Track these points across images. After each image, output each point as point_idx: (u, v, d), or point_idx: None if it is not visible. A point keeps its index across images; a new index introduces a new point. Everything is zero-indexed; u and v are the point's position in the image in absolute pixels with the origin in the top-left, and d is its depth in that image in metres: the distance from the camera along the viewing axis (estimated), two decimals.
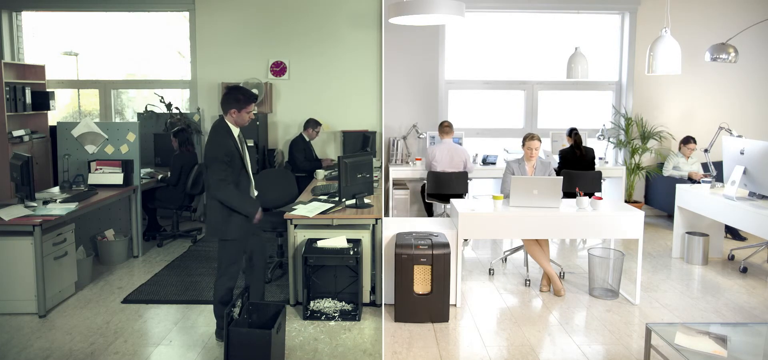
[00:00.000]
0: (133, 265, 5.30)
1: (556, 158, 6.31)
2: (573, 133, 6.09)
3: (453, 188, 6.02)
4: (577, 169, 5.95)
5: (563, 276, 4.98)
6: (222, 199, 3.45)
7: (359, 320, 4.03)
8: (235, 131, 3.54)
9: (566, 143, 6.26)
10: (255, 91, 3.48)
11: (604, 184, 6.34)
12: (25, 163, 4.40)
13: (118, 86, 7.57)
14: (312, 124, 6.71)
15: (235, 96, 3.49)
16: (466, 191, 6.06)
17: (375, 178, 5.23)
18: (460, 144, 6.63)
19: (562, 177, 4.65)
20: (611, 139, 7.22)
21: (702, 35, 7.07)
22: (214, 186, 3.41)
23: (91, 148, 5.42)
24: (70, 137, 5.39)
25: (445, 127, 6.17)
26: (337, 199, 4.66)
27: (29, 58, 7.42)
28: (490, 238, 6.07)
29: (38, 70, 7.00)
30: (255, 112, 3.40)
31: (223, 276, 3.62)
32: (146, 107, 7.03)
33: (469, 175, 6.13)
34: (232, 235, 3.53)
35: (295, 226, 4.25)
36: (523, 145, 4.92)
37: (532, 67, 7.43)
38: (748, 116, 7.35)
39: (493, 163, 6.79)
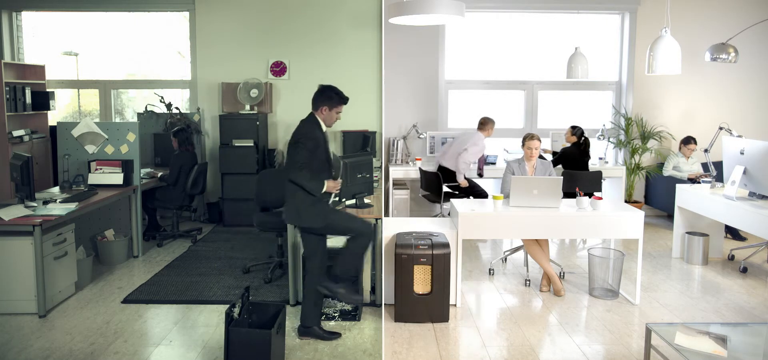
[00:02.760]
0: (133, 265, 5.30)
1: (551, 157, 6.30)
2: (580, 135, 6.05)
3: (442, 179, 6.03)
4: (577, 168, 5.95)
5: (563, 276, 4.98)
6: (298, 180, 3.54)
7: (359, 320, 4.03)
8: (323, 128, 3.66)
9: (566, 142, 6.24)
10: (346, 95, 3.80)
11: (604, 184, 6.34)
12: (25, 163, 4.40)
13: (118, 86, 7.57)
14: None
15: (329, 94, 3.61)
16: (439, 197, 5.99)
17: (375, 178, 5.22)
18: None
19: (562, 177, 4.65)
20: (611, 139, 7.22)
21: (702, 35, 7.07)
22: (291, 168, 3.52)
23: (91, 148, 5.42)
24: (70, 137, 5.40)
25: (480, 121, 6.08)
26: (337, 199, 4.66)
27: (29, 58, 7.42)
28: (490, 238, 6.06)
29: (38, 70, 7.00)
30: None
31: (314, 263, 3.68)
32: (146, 107, 7.03)
33: (462, 172, 5.97)
34: (307, 223, 3.63)
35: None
36: (523, 145, 4.92)
37: (532, 67, 7.42)
38: (748, 116, 7.35)
39: (493, 163, 6.79)
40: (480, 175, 6.48)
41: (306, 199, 3.57)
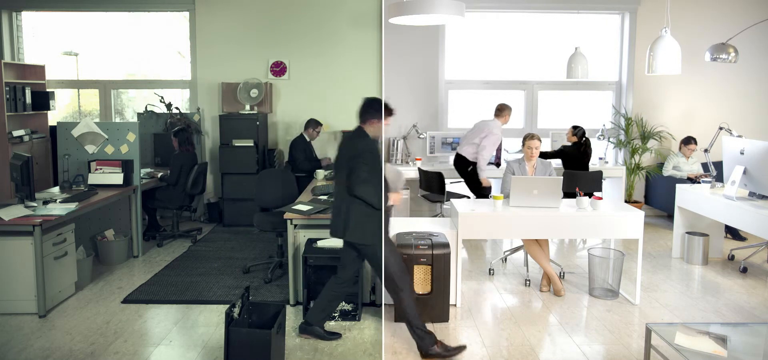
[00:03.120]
0: (133, 265, 5.30)
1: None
2: (581, 135, 6.04)
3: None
4: (577, 168, 5.95)
5: (563, 276, 4.98)
6: (363, 195, 3.45)
7: (359, 320, 4.03)
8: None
9: (567, 142, 6.22)
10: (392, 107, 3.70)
11: (604, 184, 6.35)
12: (25, 163, 4.40)
13: (118, 86, 7.57)
14: (312, 124, 6.72)
15: (377, 107, 3.55)
16: (441, 196, 5.93)
17: None
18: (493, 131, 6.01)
19: (562, 177, 4.65)
20: (611, 139, 7.22)
21: (702, 35, 7.06)
22: (356, 184, 3.42)
23: (91, 148, 5.42)
24: (70, 137, 5.40)
25: (496, 107, 5.95)
26: None
27: (29, 58, 7.42)
28: (490, 238, 6.06)
29: (38, 70, 7.00)
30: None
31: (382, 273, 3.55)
32: (146, 107, 7.03)
33: (484, 170, 5.83)
34: (356, 238, 3.54)
35: (295, 226, 4.25)
36: (523, 144, 4.92)
37: (532, 67, 7.43)
38: (748, 116, 7.35)
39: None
40: (497, 165, 6.48)
41: (363, 214, 3.48)
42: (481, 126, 5.89)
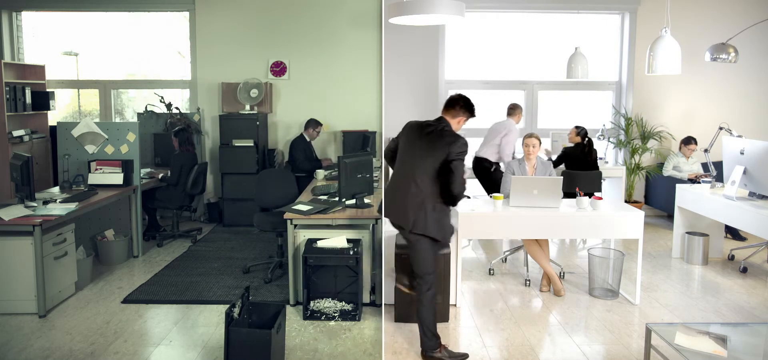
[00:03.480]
0: (133, 265, 5.30)
1: (554, 157, 6.30)
2: (584, 135, 6.03)
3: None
4: (581, 168, 5.94)
5: (563, 276, 4.97)
6: (460, 197, 3.44)
7: (359, 320, 4.03)
8: None
9: (570, 142, 6.21)
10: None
11: (604, 184, 6.34)
12: (25, 163, 4.40)
13: (118, 86, 7.57)
14: (313, 124, 6.72)
15: (469, 107, 3.51)
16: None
17: (375, 178, 5.23)
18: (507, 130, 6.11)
19: (562, 177, 4.65)
20: (611, 139, 7.22)
21: (702, 35, 7.06)
22: (458, 185, 3.36)
23: (91, 148, 5.42)
24: (70, 137, 5.40)
25: (509, 107, 6.11)
26: (337, 199, 4.67)
27: (29, 58, 7.42)
28: (490, 238, 6.06)
29: (38, 70, 7.00)
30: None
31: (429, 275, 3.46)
32: (146, 107, 7.03)
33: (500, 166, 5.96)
34: (441, 237, 3.47)
35: (295, 226, 4.25)
36: (523, 144, 4.93)
37: (532, 67, 7.43)
38: (748, 116, 7.35)
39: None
40: None
41: (444, 212, 3.44)
42: (498, 127, 6.05)
